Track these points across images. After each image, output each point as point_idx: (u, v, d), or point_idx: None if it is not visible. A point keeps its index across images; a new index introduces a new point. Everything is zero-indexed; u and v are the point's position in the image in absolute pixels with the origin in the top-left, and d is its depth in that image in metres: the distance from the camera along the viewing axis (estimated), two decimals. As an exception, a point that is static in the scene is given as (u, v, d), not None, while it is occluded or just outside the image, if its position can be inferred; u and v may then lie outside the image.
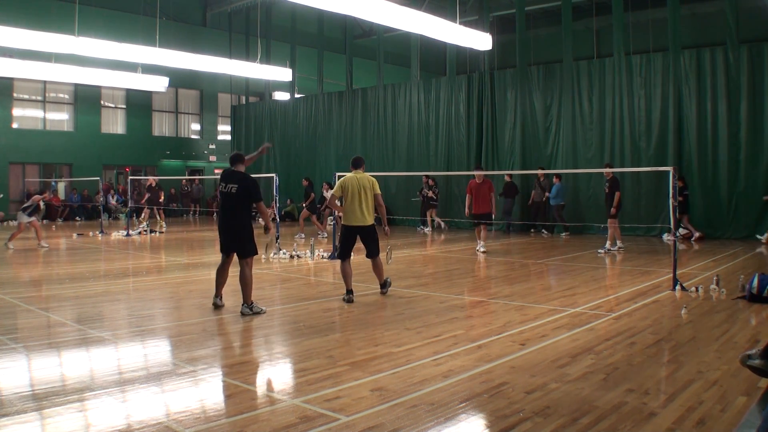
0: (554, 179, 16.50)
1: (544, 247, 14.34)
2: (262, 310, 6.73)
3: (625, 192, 16.23)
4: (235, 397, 4.17)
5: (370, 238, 7.75)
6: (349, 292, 7.50)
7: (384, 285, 7.89)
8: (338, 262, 7.85)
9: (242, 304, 6.69)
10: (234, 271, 6.88)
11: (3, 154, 22.92)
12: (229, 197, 6.72)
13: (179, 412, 3.84)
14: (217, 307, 6.95)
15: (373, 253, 7.75)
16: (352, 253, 7.74)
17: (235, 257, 6.86)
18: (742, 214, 15.11)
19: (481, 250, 12.50)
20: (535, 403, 3.92)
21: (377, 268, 7.84)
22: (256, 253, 6.86)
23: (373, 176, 7.91)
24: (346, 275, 7.57)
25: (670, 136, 15.87)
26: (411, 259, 11.92)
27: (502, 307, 7.16)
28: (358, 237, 7.76)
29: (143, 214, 19.05)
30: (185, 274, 10.21)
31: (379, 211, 7.82)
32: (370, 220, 7.70)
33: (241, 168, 6.91)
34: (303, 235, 15.45)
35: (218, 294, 7.02)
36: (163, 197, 21.23)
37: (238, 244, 6.77)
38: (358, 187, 7.62)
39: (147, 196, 19.29)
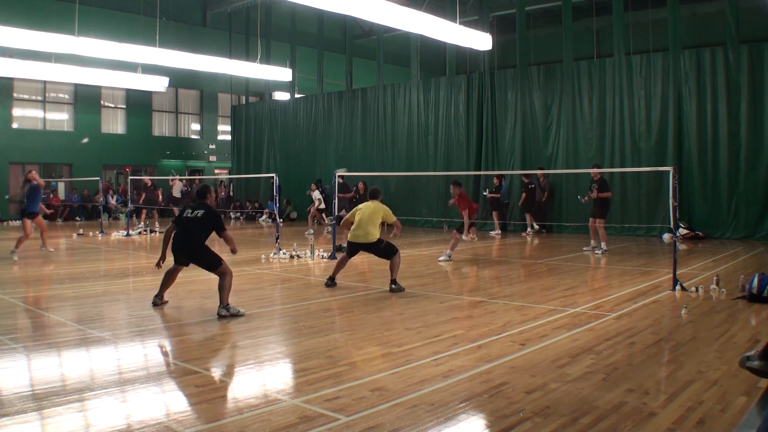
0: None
1: (543, 247, 14.34)
2: (239, 312, 6.59)
3: (626, 192, 16.30)
4: (235, 396, 4.17)
5: (379, 251, 8.42)
6: (331, 278, 8.33)
7: (394, 282, 8.14)
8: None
9: (219, 306, 6.55)
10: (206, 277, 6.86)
11: (3, 154, 22.94)
12: (193, 221, 6.85)
13: (179, 412, 3.84)
14: (156, 305, 7.05)
15: (388, 258, 8.36)
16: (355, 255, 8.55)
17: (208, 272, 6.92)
18: (742, 214, 15.11)
19: (468, 237, 12.23)
20: (535, 403, 3.92)
21: (393, 266, 8.25)
22: (222, 261, 6.75)
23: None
24: (338, 263, 8.43)
25: (670, 136, 15.87)
26: (411, 259, 11.91)
27: (502, 307, 7.16)
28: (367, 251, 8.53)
29: (142, 214, 19.04)
30: (185, 275, 10.16)
31: (395, 228, 8.81)
32: (372, 238, 8.33)
33: (208, 200, 7.09)
34: (312, 231, 15.53)
35: (160, 294, 7.17)
36: (161, 197, 21.18)
37: (200, 261, 6.87)
38: (370, 213, 8.38)
39: (144, 195, 19.24)
